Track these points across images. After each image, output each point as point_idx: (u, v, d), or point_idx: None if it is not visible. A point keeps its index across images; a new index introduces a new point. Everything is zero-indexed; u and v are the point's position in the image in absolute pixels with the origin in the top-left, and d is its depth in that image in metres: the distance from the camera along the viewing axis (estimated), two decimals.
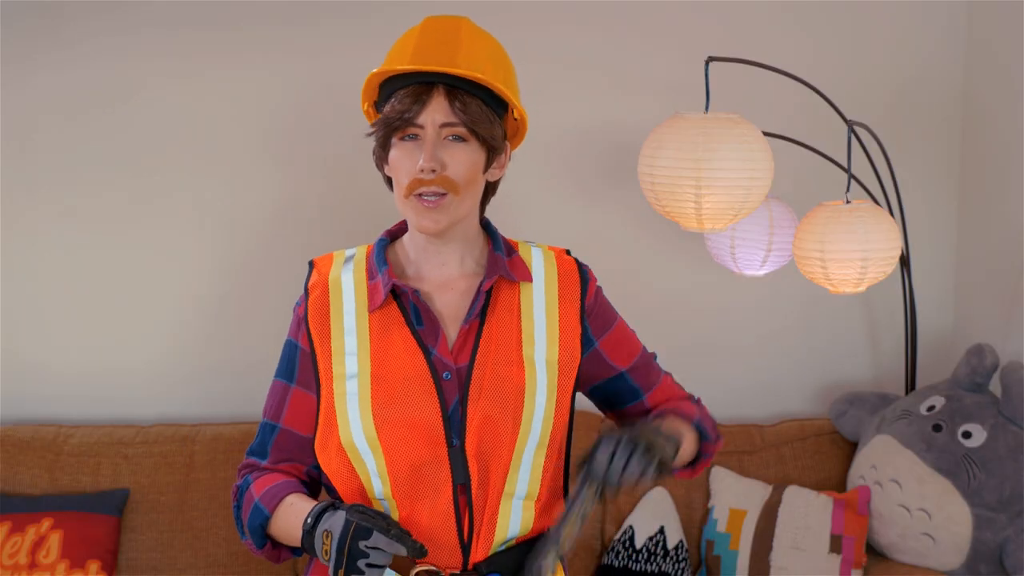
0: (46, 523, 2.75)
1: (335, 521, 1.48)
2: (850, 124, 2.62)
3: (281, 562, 1.68)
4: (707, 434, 1.76)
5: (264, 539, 1.64)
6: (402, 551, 1.45)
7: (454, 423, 1.59)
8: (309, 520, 1.52)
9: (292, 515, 1.58)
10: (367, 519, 1.46)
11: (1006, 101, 2.96)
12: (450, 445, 1.58)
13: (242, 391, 3.04)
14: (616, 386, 1.75)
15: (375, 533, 1.44)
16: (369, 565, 1.44)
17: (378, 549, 1.44)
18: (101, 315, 3.10)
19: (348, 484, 1.61)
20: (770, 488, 2.91)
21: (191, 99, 3.04)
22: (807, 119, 2.92)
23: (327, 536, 1.47)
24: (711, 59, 2.48)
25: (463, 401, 1.59)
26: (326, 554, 1.47)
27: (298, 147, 3.08)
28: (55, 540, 2.73)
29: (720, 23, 3.09)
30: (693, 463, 1.77)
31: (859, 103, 2.95)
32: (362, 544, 1.44)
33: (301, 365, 1.65)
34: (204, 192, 3.08)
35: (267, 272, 3.08)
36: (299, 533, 1.54)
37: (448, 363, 1.61)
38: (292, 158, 3.08)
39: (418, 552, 1.47)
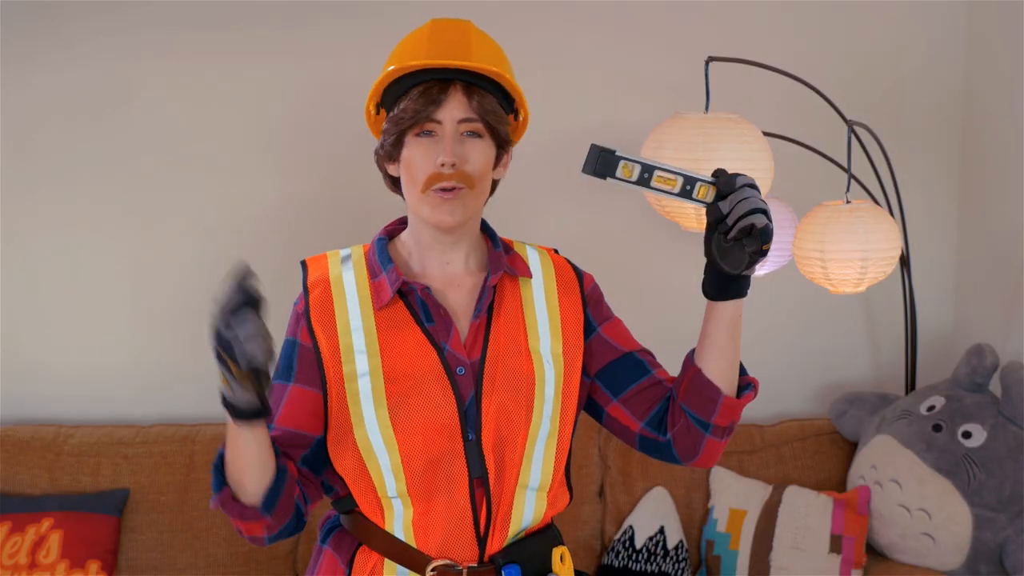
0: (46, 523, 2.75)
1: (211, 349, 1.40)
2: (850, 124, 2.62)
3: (246, 520, 1.55)
4: (744, 368, 1.79)
5: (222, 478, 1.54)
6: (248, 289, 1.39)
7: (470, 417, 1.59)
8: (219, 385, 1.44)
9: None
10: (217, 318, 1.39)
11: (1006, 101, 2.96)
12: (466, 440, 1.59)
13: None
14: (623, 364, 1.73)
15: (228, 317, 1.37)
16: (246, 335, 1.36)
17: (236, 318, 1.37)
18: (101, 315, 3.10)
19: (360, 482, 1.61)
20: (770, 488, 2.91)
21: (191, 99, 3.04)
22: (807, 119, 2.91)
23: (221, 362, 1.39)
24: (711, 59, 2.48)
25: (478, 395, 1.60)
26: (229, 366, 1.39)
27: (298, 147, 3.08)
28: (55, 540, 2.73)
29: (720, 23, 3.09)
30: (738, 393, 1.75)
31: (859, 103, 2.95)
32: (230, 330, 1.37)
33: (301, 361, 1.64)
34: (204, 192, 3.08)
35: (266, 272, 2.99)
36: (233, 431, 1.47)
37: (462, 358, 1.61)
38: (292, 158, 3.08)
39: (244, 273, 1.40)
